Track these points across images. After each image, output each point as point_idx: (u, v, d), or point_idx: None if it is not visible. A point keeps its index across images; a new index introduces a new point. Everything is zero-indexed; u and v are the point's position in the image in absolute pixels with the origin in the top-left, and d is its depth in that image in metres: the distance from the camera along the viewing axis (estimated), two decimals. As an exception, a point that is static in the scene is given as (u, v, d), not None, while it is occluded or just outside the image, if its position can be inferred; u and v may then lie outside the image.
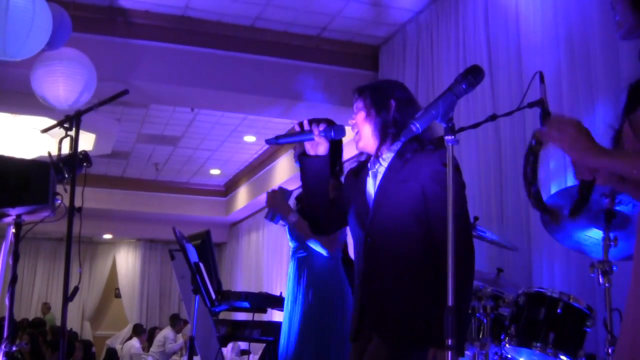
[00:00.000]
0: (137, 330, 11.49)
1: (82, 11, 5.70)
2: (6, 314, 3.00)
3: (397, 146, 2.32)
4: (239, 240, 12.83)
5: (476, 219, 3.47)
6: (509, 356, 2.99)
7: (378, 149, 2.35)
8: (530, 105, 1.82)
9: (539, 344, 2.75)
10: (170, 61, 6.11)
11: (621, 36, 1.65)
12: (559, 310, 2.77)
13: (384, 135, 2.33)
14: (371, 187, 2.36)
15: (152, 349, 10.61)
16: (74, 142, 2.98)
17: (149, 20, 6.01)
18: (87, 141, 7.80)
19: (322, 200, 2.44)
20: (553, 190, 3.60)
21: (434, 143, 2.29)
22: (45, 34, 4.33)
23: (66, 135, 2.97)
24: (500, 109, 4.26)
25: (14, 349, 2.95)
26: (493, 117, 1.89)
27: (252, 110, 7.06)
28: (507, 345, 2.88)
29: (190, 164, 10.88)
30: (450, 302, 1.74)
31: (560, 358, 2.71)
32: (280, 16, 5.99)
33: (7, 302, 3.00)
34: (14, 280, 2.96)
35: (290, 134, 2.40)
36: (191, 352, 3.42)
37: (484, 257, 4.39)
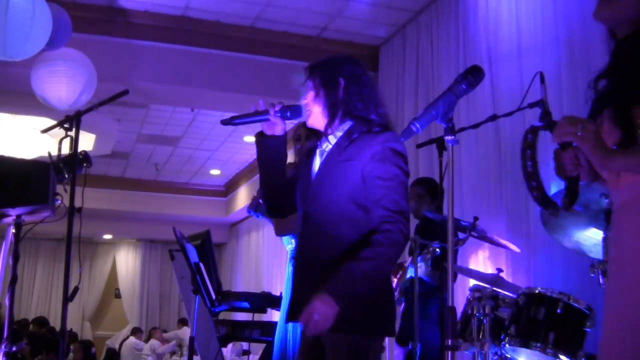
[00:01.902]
0: (135, 332, 11.53)
1: (82, 11, 5.71)
2: (6, 314, 3.00)
3: (346, 125, 2.29)
4: (239, 240, 12.82)
5: (476, 219, 3.47)
6: (509, 356, 2.99)
7: (327, 127, 2.31)
8: (531, 105, 1.82)
9: (538, 344, 2.75)
10: (170, 61, 6.11)
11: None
12: (559, 311, 2.77)
13: (333, 114, 2.28)
14: (317, 165, 2.34)
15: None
16: (74, 142, 2.98)
17: (148, 20, 6.01)
18: (87, 141, 7.80)
19: (279, 181, 2.42)
20: (553, 190, 3.60)
21: (381, 125, 2.26)
22: (45, 34, 4.33)
23: (66, 136, 2.97)
24: (500, 109, 4.25)
25: (14, 349, 2.95)
26: (493, 118, 1.90)
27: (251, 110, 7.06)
28: (507, 345, 2.88)
29: (190, 164, 10.88)
30: (450, 302, 1.74)
31: (560, 358, 2.71)
32: (280, 16, 5.99)
33: (7, 302, 3.00)
34: (14, 280, 2.97)
35: (246, 114, 2.36)
36: (191, 352, 3.42)
37: (484, 257, 4.39)
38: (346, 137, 2.26)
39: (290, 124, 2.94)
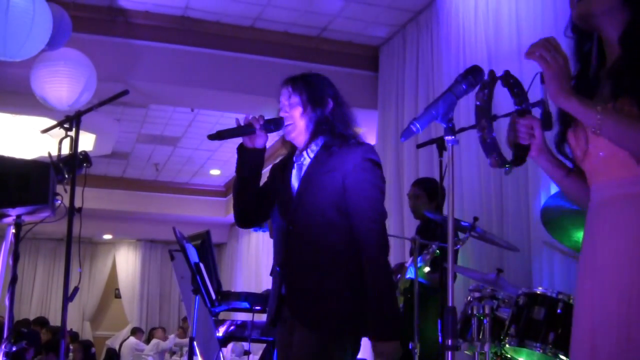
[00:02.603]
0: (135, 332, 11.53)
1: (82, 11, 5.71)
2: (6, 314, 3.00)
3: (320, 141, 2.40)
4: (238, 240, 12.82)
5: (476, 219, 3.47)
6: (509, 356, 2.99)
7: (307, 143, 2.41)
8: (532, 105, 1.82)
9: (538, 344, 2.75)
10: (170, 61, 6.11)
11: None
12: (558, 311, 2.77)
13: (317, 131, 2.39)
14: (295, 178, 2.43)
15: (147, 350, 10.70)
16: (74, 142, 2.98)
17: (149, 20, 6.01)
18: (87, 141, 7.80)
19: (253, 193, 2.49)
20: (553, 190, 3.60)
21: (356, 139, 2.38)
22: (45, 34, 4.33)
23: (66, 136, 2.97)
24: (500, 109, 4.25)
25: (14, 349, 2.95)
26: (493, 118, 1.89)
27: (252, 110, 7.05)
28: (507, 345, 2.88)
29: (190, 165, 10.88)
30: (450, 303, 1.74)
31: (560, 358, 2.71)
32: (281, 16, 5.99)
33: (7, 302, 3.00)
34: (14, 280, 2.97)
35: (232, 129, 2.44)
36: (191, 352, 3.42)
37: (484, 258, 4.39)
38: (324, 151, 2.37)
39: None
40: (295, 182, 2.42)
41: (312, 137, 2.40)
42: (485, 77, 1.78)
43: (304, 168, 2.40)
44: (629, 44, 1.65)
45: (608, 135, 1.58)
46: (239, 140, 2.50)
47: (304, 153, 2.41)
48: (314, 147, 2.40)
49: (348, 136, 2.37)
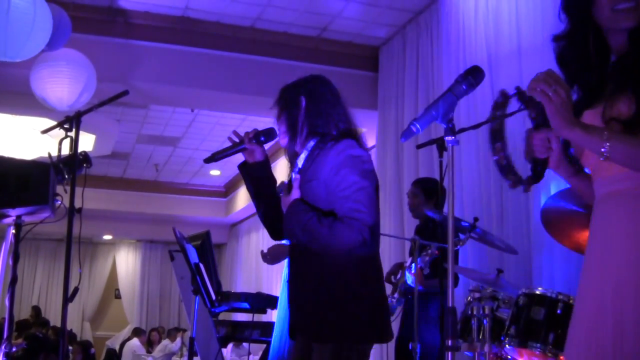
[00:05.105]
0: (137, 332, 11.52)
1: (82, 11, 5.70)
2: (6, 315, 3.00)
3: (310, 144, 2.32)
4: (238, 241, 12.82)
5: (476, 219, 3.47)
6: (509, 356, 2.99)
7: (291, 147, 2.36)
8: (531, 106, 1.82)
9: (538, 345, 2.75)
10: (170, 61, 6.11)
11: None
12: (558, 311, 2.77)
13: (293, 134, 2.34)
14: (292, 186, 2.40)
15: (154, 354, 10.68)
16: (74, 142, 2.97)
17: (149, 20, 6.01)
18: (87, 142, 7.80)
19: (271, 204, 2.44)
20: (553, 190, 3.60)
21: (336, 137, 2.26)
22: (45, 34, 4.33)
23: (66, 136, 2.96)
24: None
25: (14, 349, 2.95)
26: (493, 118, 1.89)
27: (252, 110, 7.06)
28: (507, 345, 2.88)
29: (190, 165, 10.88)
30: (450, 303, 1.74)
31: (560, 358, 2.71)
32: (280, 17, 5.99)
33: (7, 302, 3.00)
34: (14, 280, 2.97)
35: (225, 149, 2.45)
36: (191, 352, 3.42)
37: (484, 258, 4.39)
38: (309, 158, 2.30)
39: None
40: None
41: (291, 141, 2.35)
42: (499, 97, 1.77)
43: (295, 177, 2.38)
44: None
45: (617, 159, 1.56)
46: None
47: (297, 161, 2.38)
48: (304, 153, 2.35)
49: (326, 135, 2.28)
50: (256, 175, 2.46)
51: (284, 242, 3.49)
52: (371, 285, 2.25)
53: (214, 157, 2.41)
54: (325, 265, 2.21)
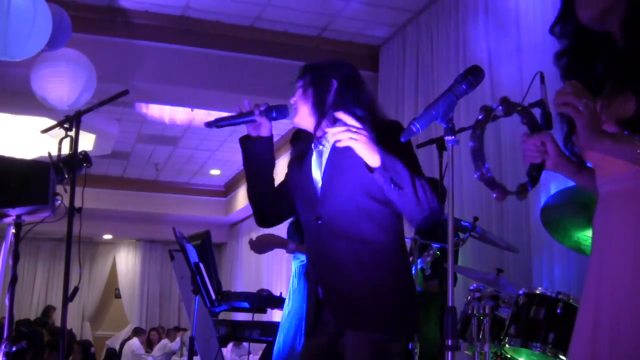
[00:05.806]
0: (137, 331, 11.52)
1: (82, 11, 5.71)
2: (6, 315, 3.00)
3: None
4: (238, 240, 12.82)
5: (476, 219, 3.47)
6: (509, 356, 2.99)
7: (316, 128, 2.21)
8: (531, 105, 1.82)
9: (538, 344, 2.75)
10: (170, 61, 6.12)
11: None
12: (558, 311, 2.77)
13: (322, 114, 2.19)
14: (316, 167, 2.24)
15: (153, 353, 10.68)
16: (74, 142, 2.98)
17: (149, 20, 6.01)
18: (87, 141, 7.80)
19: (266, 188, 2.33)
20: (552, 190, 3.60)
21: (376, 118, 2.18)
22: (45, 34, 4.33)
23: (66, 136, 2.96)
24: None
25: (14, 349, 2.95)
26: (493, 118, 1.89)
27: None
28: (507, 345, 2.88)
29: (190, 164, 10.88)
30: (450, 302, 1.73)
31: (560, 358, 2.71)
32: (280, 16, 5.99)
33: (7, 302, 3.00)
34: (14, 280, 2.96)
35: (231, 116, 2.29)
36: (191, 352, 3.42)
37: (484, 258, 4.39)
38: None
39: (291, 125, 2.93)
40: (316, 172, 2.23)
41: (319, 122, 2.20)
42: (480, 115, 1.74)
43: (325, 155, 2.21)
44: (631, 30, 1.63)
45: None
46: (238, 138, 2.42)
47: (320, 141, 2.23)
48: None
49: (363, 118, 2.11)
50: (257, 151, 2.31)
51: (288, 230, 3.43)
52: (410, 275, 2.21)
53: (218, 123, 2.27)
54: (363, 246, 2.09)
